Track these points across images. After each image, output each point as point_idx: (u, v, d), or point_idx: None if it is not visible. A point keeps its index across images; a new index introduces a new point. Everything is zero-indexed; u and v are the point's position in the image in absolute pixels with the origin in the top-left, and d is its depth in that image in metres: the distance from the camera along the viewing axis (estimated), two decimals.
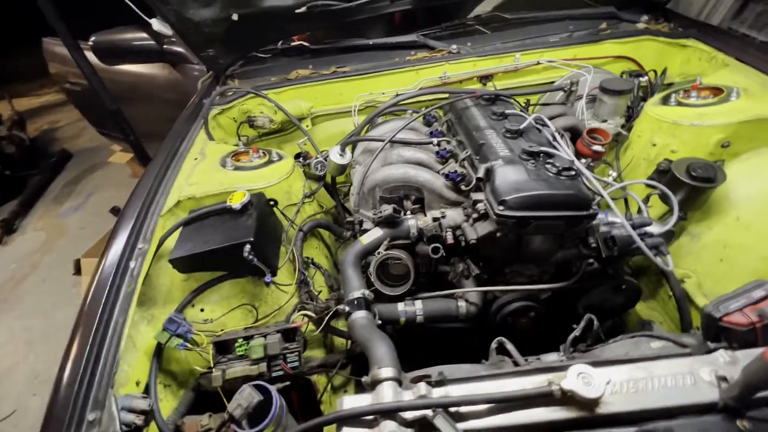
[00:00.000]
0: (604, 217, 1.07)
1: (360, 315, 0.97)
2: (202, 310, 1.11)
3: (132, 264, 1.01)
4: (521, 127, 1.16)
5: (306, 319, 1.09)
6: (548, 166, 1.02)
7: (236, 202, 1.09)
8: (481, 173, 1.03)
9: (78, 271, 3.00)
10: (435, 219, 1.09)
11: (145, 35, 1.95)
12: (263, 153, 1.34)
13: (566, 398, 0.70)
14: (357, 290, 1.02)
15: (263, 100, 1.57)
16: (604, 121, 1.44)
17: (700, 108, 1.25)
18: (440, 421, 0.67)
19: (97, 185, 4.20)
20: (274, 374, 1.00)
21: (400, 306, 1.06)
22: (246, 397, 0.87)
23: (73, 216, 3.81)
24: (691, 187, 1.11)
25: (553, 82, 1.58)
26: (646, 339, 0.88)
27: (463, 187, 1.10)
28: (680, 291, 1.10)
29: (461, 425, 0.68)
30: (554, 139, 1.14)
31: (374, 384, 0.79)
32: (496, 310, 1.10)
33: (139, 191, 1.20)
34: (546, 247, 1.03)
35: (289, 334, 1.05)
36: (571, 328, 0.96)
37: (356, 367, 1.23)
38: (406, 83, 1.58)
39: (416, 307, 1.05)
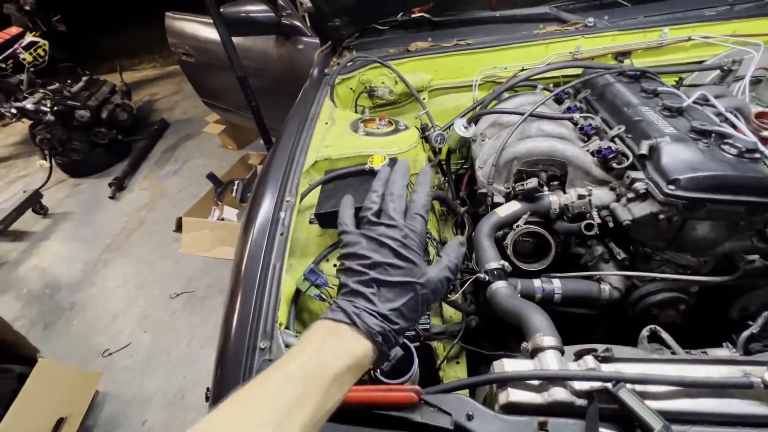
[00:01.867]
0: None
1: (502, 285, 0.96)
2: (335, 265, 1.17)
3: (282, 215, 1.07)
4: (684, 104, 1.06)
5: None
6: (725, 147, 0.93)
7: (375, 165, 1.11)
8: (644, 149, 0.96)
9: (179, 228, 3.31)
10: (581, 196, 1.04)
11: (265, 7, 2.05)
12: (390, 121, 1.36)
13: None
14: (495, 260, 1.01)
15: (383, 70, 1.59)
16: None
17: None
18: (626, 395, 0.64)
19: (191, 153, 4.57)
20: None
21: (537, 282, 1.03)
22: None
23: (172, 179, 4.19)
24: None
25: (702, 61, 1.42)
26: None
27: (614, 165, 1.03)
28: None
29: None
30: (726, 119, 1.02)
31: (536, 351, 0.77)
32: (638, 298, 1.03)
33: (280, 150, 1.27)
34: (714, 235, 0.94)
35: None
36: (714, 331, 0.88)
37: (468, 341, 1.23)
38: (534, 58, 1.51)
39: (554, 285, 1.02)
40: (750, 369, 0.69)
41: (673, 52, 1.45)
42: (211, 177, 3.50)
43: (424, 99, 1.62)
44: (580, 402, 0.68)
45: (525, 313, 0.84)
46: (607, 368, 0.72)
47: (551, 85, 1.47)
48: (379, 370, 0.88)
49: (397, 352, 0.90)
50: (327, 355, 0.47)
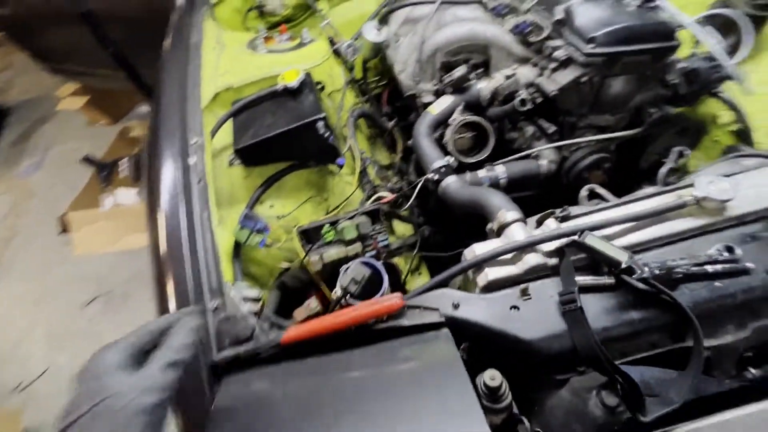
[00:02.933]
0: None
1: (452, 179, 0.93)
2: (272, 206, 1.04)
3: (192, 160, 0.89)
4: None
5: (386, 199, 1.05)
6: (627, 0, 0.95)
7: (292, 80, 0.96)
8: (559, 15, 0.95)
9: (65, 229, 2.77)
10: (508, 77, 1.02)
11: None
12: (292, 36, 1.18)
13: (700, 207, 0.72)
14: (439, 159, 0.97)
15: None
16: None
17: None
18: (592, 239, 0.67)
19: (51, 138, 3.73)
20: (367, 254, 0.98)
21: (482, 172, 1.03)
22: (357, 271, 0.84)
23: (35, 174, 3.42)
24: (752, 18, 1.08)
25: None
26: (738, 159, 0.90)
27: (533, 39, 1.02)
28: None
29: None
30: None
31: (501, 228, 0.78)
32: (570, 167, 1.09)
33: (167, 90, 1.04)
34: (627, 89, 1.00)
35: (374, 216, 1.01)
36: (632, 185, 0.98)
37: (426, 250, 1.23)
38: None
39: (498, 171, 1.02)
40: (678, 193, 0.76)
41: None
42: (89, 160, 2.92)
43: (322, 10, 1.43)
44: (553, 261, 0.70)
45: (482, 197, 0.83)
46: (567, 226, 0.75)
47: None
48: (348, 295, 0.83)
49: (364, 272, 0.85)
50: None
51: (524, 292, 0.68)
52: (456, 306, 0.68)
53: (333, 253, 0.93)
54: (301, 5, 1.39)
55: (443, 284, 0.73)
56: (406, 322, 0.66)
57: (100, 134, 3.52)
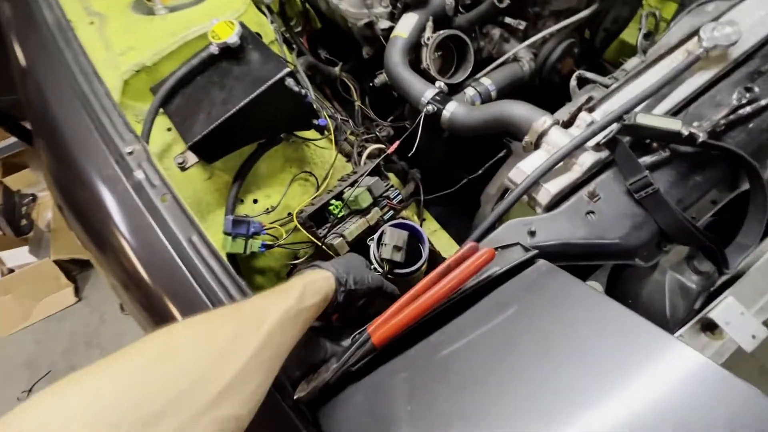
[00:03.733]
0: None
1: (454, 105, 0.83)
2: (255, 201, 0.85)
3: (139, 174, 0.66)
4: None
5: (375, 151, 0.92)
6: None
7: (227, 37, 0.74)
8: None
9: None
10: None
11: None
12: None
13: (708, 57, 0.72)
14: (430, 87, 0.85)
15: None
16: None
17: None
18: (642, 118, 0.63)
19: None
20: (386, 216, 0.86)
21: (470, 90, 0.93)
22: (396, 237, 0.74)
23: None
24: None
25: None
26: (701, 8, 0.92)
27: None
28: None
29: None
30: None
31: (540, 138, 0.71)
32: (542, 62, 1.05)
33: (50, 94, 0.74)
34: None
35: (377, 173, 0.88)
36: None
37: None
38: None
39: (486, 84, 0.94)
40: (685, 48, 0.75)
41: None
42: None
43: None
44: (605, 153, 0.66)
45: (503, 112, 0.75)
46: (600, 114, 0.71)
47: None
48: (389, 264, 0.73)
49: (404, 236, 0.74)
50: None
51: (592, 195, 0.64)
52: (533, 233, 0.62)
53: (354, 228, 0.80)
54: None
55: (503, 214, 0.66)
56: (497, 268, 0.58)
57: None
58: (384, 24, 0.94)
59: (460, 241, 1.01)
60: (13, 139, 2.78)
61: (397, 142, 0.85)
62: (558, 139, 0.68)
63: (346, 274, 0.57)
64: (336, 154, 0.94)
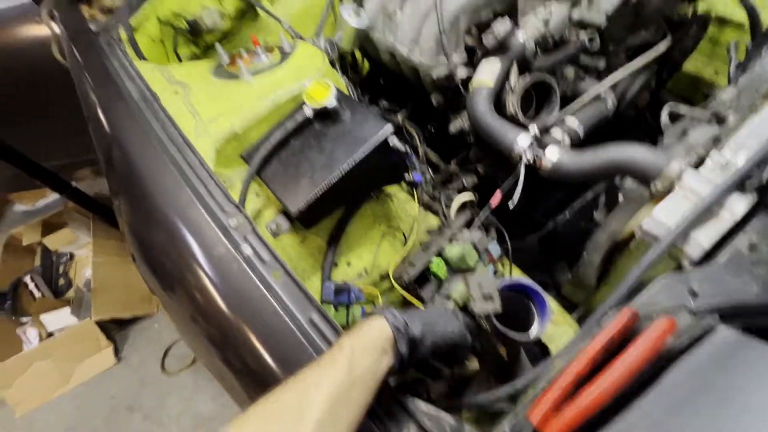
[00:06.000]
0: None
1: (556, 150, 0.78)
2: (349, 263, 0.80)
3: (246, 249, 0.61)
4: None
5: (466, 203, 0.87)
6: None
7: (323, 99, 0.71)
8: None
9: None
10: (545, 20, 0.89)
11: None
12: (266, 46, 0.90)
13: None
14: (523, 133, 0.81)
15: None
16: None
17: None
18: None
19: None
20: (488, 271, 0.80)
21: (556, 132, 0.89)
22: (480, 285, 0.67)
23: None
24: None
25: None
26: None
27: None
28: None
29: None
30: None
31: (672, 184, 0.65)
32: (620, 97, 1.01)
33: (142, 166, 0.71)
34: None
35: (470, 225, 0.83)
36: None
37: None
38: None
39: (573, 125, 0.90)
40: None
41: None
42: None
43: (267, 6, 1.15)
44: (753, 196, 0.60)
45: (621, 156, 0.70)
46: (730, 153, 0.65)
47: None
48: (488, 322, 0.66)
49: (490, 281, 0.67)
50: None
51: (752, 247, 0.57)
52: (694, 293, 0.55)
53: (463, 288, 0.73)
54: (241, 10, 1.09)
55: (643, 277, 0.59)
56: (673, 341, 0.50)
57: None
58: (463, 73, 0.92)
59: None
60: (51, 199, 2.84)
61: (498, 193, 0.80)
62: (697, 185, 0.63)
63: (408, 321, 0.48)
64: (418, 206, 0.90)
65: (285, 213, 0.75)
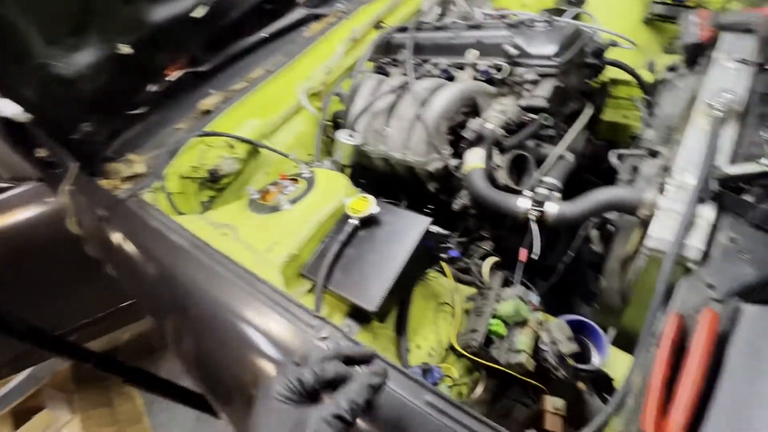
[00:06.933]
0: None
1: (552, 205, 0.96)
2: (418, 346, 0.86)
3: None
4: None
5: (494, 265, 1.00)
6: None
7: (367, 209, 0.85)
8: (512, 51, 1.14)
9: None
10: (503, 111, 1.14)
11: None
12: (291, 177, 1.05)
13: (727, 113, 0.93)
14: (522, 197, 0.99)
15: (201, 146, 1.18)
16: None
17: None
18: (729, 168, 0.79)
19: None
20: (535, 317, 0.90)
21: (543, 190, 1.08)
22: (559, 329, 0.78)
23: None
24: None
25: None
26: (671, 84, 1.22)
27: (496, 77, 1.18)
28: None
29: None
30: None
31: (649, 211, 0.83)
32: (574, 150, 1.27)
33: (232, 299, 0.77)
34: (577, 78, 1.25)
35: (507, 283, 0.95)
36: None
37: None
38: (327, 55, 1.47)
39: (551, 182, 1.10)
40: (700, 113, 0.97)
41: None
42: None
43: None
44: (713, 204, 0.79)
45: (606, 198, 0.89)
46: (679, 177, 0.86)
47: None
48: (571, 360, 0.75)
49: (563, 325, 0.78)
50: None
51: (732, 239, 0.75)
52: (712, 286, 0.69)
53: (525, 338, 0.82)
54: (249, 152, 1.26)
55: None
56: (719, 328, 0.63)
57: None
58: (454, 162, 1.12)
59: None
60: (17, 382, 2.54)
61: (524, 251, 0.94)
62: (672, 205, 0.81)
63: None
64: (451, 277, 1.01)
65: (352, 315, 0.83)
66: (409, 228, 0.83)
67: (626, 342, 0.98)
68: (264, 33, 1.46)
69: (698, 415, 0.55)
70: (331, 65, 1.46)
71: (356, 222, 0.85)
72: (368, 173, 1.45)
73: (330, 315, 0.84)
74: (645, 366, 0.66)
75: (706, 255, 0.75)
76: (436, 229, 0.82)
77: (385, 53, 1.47)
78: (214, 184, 1.20)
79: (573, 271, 1.20)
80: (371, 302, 0.75)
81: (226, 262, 0.84)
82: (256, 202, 0.99)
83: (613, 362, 0.92)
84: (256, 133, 1.27)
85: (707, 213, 0.78)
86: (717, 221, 0.78)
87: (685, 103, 1.07)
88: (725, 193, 0.78)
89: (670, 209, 0.81)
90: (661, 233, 0.78)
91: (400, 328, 0.84)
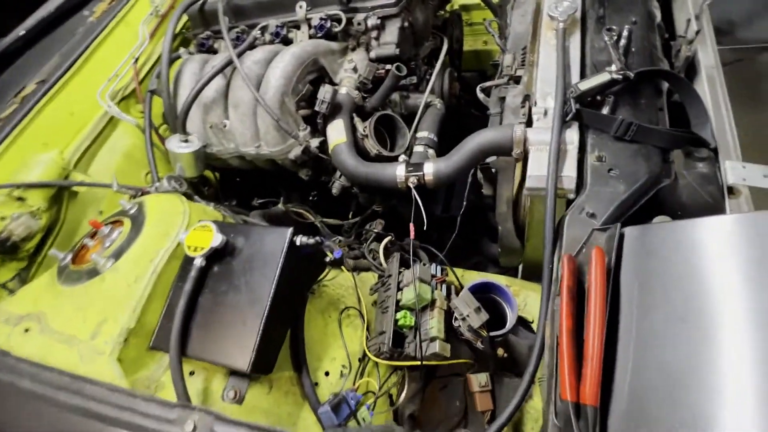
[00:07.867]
0: None
1: (430, 165, 0.86)
2: (327, 373, 0.74)
3: None
4: None
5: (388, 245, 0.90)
6: None
7: (209, 243, 0.66)
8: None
9: None
10: (354, 68, 0.98)
11: None
12: (114, 220, 0.79)
13: (568, 22, 0.89)
14: (397, 165, 0.88)
15: None
16: None
17: None
18: (582, 84, 0.74)
19: None
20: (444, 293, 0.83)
21: (419, 148, 0.99)
22: (465, 303, 0.73)
23: None
24: None
25: None
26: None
27: (335, 30, 1.00)
28: None
29: None
30: None
31: (522, 147, 0.77)
32: (442, 94, 1.18)
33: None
34: (425, 15, 1.12)
35: (407, 263, 0.85)
36: None
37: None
38: (133, 40, 1.15)
39: (427, 135, 1.00)
40: (547, 27, 0.92)
41: None
42: None
43: (79, 178, 1.02)
44: (576, 124, 0.75)
45: (478, 144, 0.81)
46: (542, 101, 0.81)
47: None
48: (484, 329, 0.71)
49: (469, 297, 0.73)
50: None
51: (599, 158, 0.72)
52: (592, 215, 0.66)
53: (436, 323, 0.74)
54: (52, 197, 0.94)
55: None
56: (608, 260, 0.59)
57: None
58: (315, 142, 0.95)
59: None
60: None
61: (412, 227, 0.84)
62: (540, 137, 0.76)
63: None
64: (350, 275, 0.89)
65: (235, 373, 0.67)
66: (270, 247, 0.66)
67: (535, 272, 0.98)
68: (21, 30, 1.06)
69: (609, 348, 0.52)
70: (137, 53, 1.14)
71: (201, 262, 0.66)
72: (235, 173, 1.22)
73: (207, 383, 0.66)
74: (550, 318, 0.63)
75: (580, 183, 0.72)
76: (301, 239, 0.67)
77: (205, 26, 1.19)
78: (14, 255, 0.89)
79: (474, 214, 1.16)
80: (243, 360, 0.59)
81: (36, 374, 0.61)
82: (67, 269, 0.74)
83: (526, 301, 0.90)
84: (53, 168, 0.95)
85: (572, 135, 0.73)
86: (583, 142, 0.75)
87: (531, 17, 1.02)
88: (584, 111, 0.74)
89: (540, 142, 0.76)
90: (536, 171, 0.73)
91: (298, 364, 0.70)
